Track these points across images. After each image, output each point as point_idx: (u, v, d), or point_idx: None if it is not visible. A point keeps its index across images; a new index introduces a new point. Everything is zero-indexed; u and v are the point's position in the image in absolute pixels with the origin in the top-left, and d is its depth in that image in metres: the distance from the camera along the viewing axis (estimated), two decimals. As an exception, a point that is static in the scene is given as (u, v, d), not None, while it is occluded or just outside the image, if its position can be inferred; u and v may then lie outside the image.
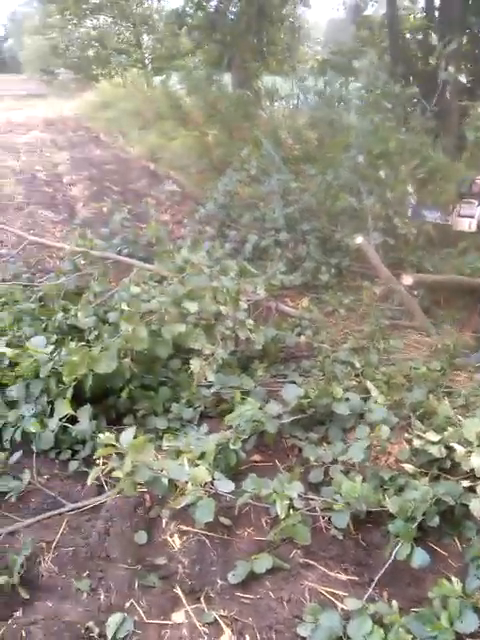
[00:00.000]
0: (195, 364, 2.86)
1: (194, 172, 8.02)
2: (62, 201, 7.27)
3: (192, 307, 2.98)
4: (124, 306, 3.02)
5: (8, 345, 2.99)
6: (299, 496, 2.08)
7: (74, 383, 2.73)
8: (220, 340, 3.00)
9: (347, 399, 2.52)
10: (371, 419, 2.42)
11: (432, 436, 2.24)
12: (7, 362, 2.92)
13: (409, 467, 2.19)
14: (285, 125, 7.51)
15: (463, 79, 4.06)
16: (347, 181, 4.21)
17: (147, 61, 19.53)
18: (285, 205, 4.67)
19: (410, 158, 4.21)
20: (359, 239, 3.71)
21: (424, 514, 1.95)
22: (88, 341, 3.02)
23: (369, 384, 2.66)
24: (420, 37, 9.09)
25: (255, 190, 5.30)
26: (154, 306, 2.98)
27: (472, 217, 3.18)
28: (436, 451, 2.19)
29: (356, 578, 1.96)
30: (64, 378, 2.71)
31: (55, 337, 3.10)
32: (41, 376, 2.79)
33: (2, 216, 6.20)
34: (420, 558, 1.86)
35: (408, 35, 9.57)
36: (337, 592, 1.88)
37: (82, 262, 4.12)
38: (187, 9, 14.72)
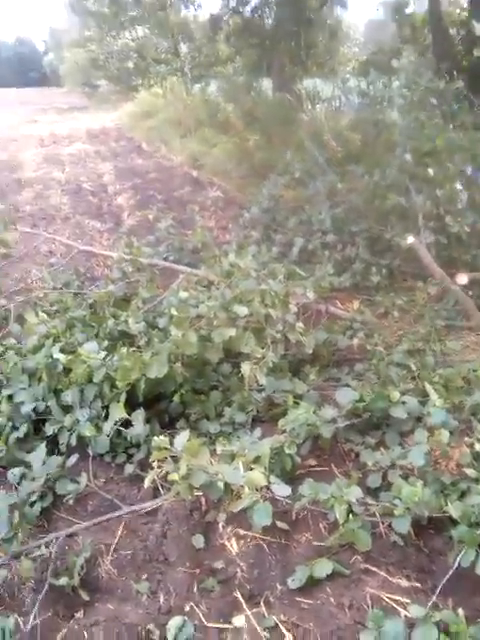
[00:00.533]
0: (245, 368, 2.85)
1: (236, 177, 8.06)
2: (108, 210, 7.41)
3: (241, 311, 2.98)
4: (173, 311, 3.04)
5: (62, 351, 3.04)
6: (357, 501, 2.04)
7: (127, 388, 2.76)
8: (270, 343, 2.98)
9: (404, 402, 2.46)
10: (430, 423, 2.36)
11: (495, 439, 2.17)
12: (61, 368, 2.97)
13: (471, 472, 2.12)
14: (328, 127, 7.46)
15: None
16: (395, 180, 4.14)
17: (186, 69, 19.73)
18: (331, 206, 4.63)
19: (459, 155, 4.11)
20: (410, 239, 3.65)
21: (489, 520, 1.89)
22: (139, 347, 3.05)
23: (428, 386, 2.59)
24: (464, 33, 8.90)
25: (300, 193, 5.28)
26: (203, 311, 2.99)
27: None
28: (499, 454, 2.12)
29: (419, 585, 1.91)
30: (117, 383, 2.74)
31: (106, 343, 3.14)
32: (94, 381, 2.83)
33: (50, 226, 6.35)
34: (486, 565, 1.79)
35: (452, 31, 9.39)
36: (399, 599, 1.83)
37: (130, 269, 4.18)
38: (223, 15, 14.83)
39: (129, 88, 22.29)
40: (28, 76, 55.91)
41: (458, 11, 10.00)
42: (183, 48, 21.37)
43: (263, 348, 2.94)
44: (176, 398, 2.91)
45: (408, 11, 10.72)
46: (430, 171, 3.92)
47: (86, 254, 5.11)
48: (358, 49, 21.11)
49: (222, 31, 15.99)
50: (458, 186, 3.94)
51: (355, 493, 2.04)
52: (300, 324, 3.12)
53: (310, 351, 3.08)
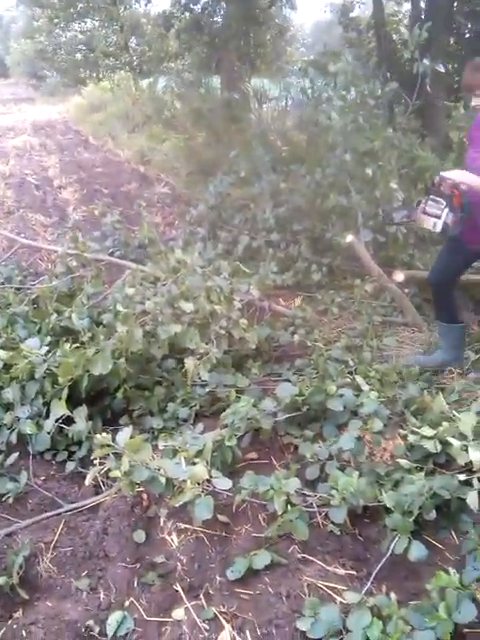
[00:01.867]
0: (189, 363, 2.87)
1: (184, 174, 8.04)
2: (53, 204, 7.27)
3: (187, 307, 3.00)
4: (119, 307, 3.03)
5: (2, 348, 2.99)
6: (296, 492, 2.09)
7: (69, 383, 2.74)
8: (214, 339, 3.01)
9: (341, 395, 2.54)
10: (363, 413, 2.45)
11: (427, 431, 2.26)
12: (1, 365, 2.92)
13: (404, 462, 2.21)
14: (273, 126, 7.54)
15: (442, 69, 3.98)
16: (336, 180, 4.23)
17: (135, 64, 19.49)
18: (275, 206, 4.68)
19: (396, 156, 4.24)
20: (349, 237, 3.73)
21: (421, 508, 1.97)
22: (82, 343, 3.02)
23: (359, 379, 2.68)
24: (406, 37, 9.15)
25: (246, 191, 5.32)
26: (149, 307, 3.00)
27: (438, 217, 2.85)
28: (431, 446, 2.21)
29: (354, 572, 1.97)
30: (59, 379, 2.71)
31: (49, 339, 3.10)
32: (36, 377, 2.80)
33: (-7, 220, 6.19)
34: (417, 551, 1.87)
35: (394, 36, 9.66)
36: (336, 586, 1.89)
37: (74, 264, 4.12)
38: (174, 12, 14.75)
39: (77, 80, 21.86)
40: (-29, 65, 54.13)
41: (397, 17, 10.31)
42: (133, 42, 21.11)
43: (207, 344, 2.97)
44: (119, 394, 2.90)
45: (353, 14, 10.96)
46: (368, 171, 4.01)
47: (29, 249, 5.01)
48: (305, 49, 21.43)
49: (173, 27, 15.91)
50: (393, 186, 4.05)
51: (293, 485, 2.09)
52: (244, 320, 3.15)
53: (253, 347, 3.12)
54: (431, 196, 2.87)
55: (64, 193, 7.81)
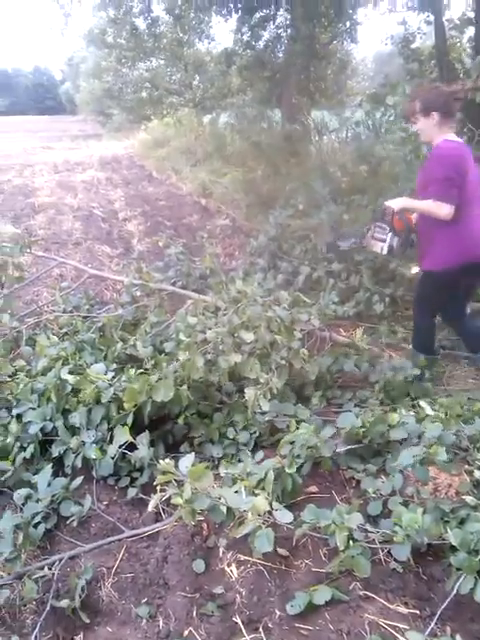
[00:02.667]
0: (250, 393, 2.88)
1: (244, 206, 8.18)
2: (118, 236, 7.54)
3: (247, 337, 3.03)
4: (181, 336, 3.10)
5: (71, 373, 3.09)
6: (358, 528, 2.05)
7: (134, 409, 2.80)
8: (274, 369, 3.02)
9: (404, 422, 2.49)
10: (427, 437, 2.38)
11: (495, 467, 2.19)
12: (69, 389, 3.02)
13: (470, 499, 2.13)
14: (334, 158, 7.60)
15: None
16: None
17: (197, 100, 20.15)
18: (337, 237, 4.70)
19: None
20: (415, 269, 3.69)
21: (488, 547, 1.89)
22: (146, 370, 3.10)
23: (423, 403, 2.62)
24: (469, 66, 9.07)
25: (305, 222, 5.37)
26: (210, 336, 3.04)
27: (384, 241, 3.26)
28: (499, 483, 2.13)
29: (417, 612, 1.91)
30: (125, 404, 2.78)
31: (114, 366, 3.19)
32: (102, 402, 2.87)
33: (62, 251, 6.46)
34: (484, 593, 1.80)
35: (457, 65, 9.57)
36: (398, 625, 1.83)
37: (139, 294, 4.25)
38: (236, 49, 15.19)
39: (142, 117, 22.74)
40: (45, 104, 57.41)
41: (462, 45, 10.20)
42: (196, 80, 21.85)
43: (267, 374, 2.98)
44: (180, 420, 2.95)
45: (414, 45, 10.93)
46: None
47: (96, 279, 5.19)
48: (367, 83, 21.54)
49: (235, 64, 16.37)
50: None
51: (356, 520, 2.04)
52: (304, 351, 3.15)
53: (313, 377, 3.11)
54: (377, 223, 3.30)
55: (129, 225, 8.08)
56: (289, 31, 12.75)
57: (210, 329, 3.10)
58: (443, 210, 3.01)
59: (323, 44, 12.72)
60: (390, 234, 3.24)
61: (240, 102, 16.72)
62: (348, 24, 12.27)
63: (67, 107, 46.75)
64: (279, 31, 13.45)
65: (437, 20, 9.49)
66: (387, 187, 4.43)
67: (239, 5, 12.31)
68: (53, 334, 3.75)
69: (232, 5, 12.56)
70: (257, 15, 12.86)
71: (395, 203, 3.24)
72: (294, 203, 5.49)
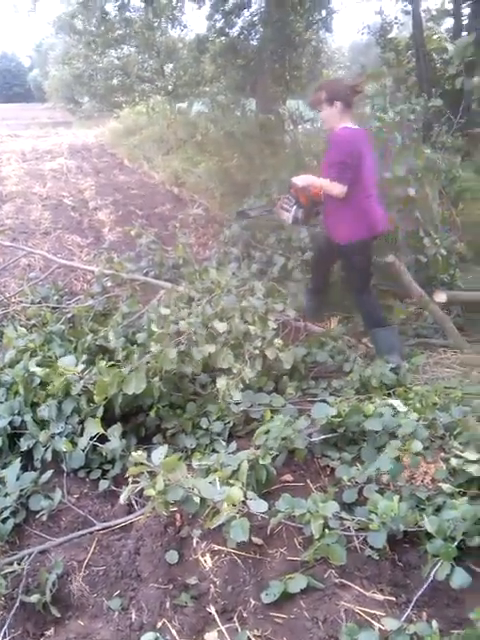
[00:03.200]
0: (221, 383, 2.86)
1: (217, 195, 8.10)
2: (88, 225, 7.40)
3: (222, 327, 2.99)
4: (154, 327, 3.04)
5: (39, 365, 3.02)
6: (333, 516, 2.05)
7: (104, 402, 2.75)
8: (248, 359, 2.99)
9: (380, 414, 2.48)
10: (401, 434, 2.39)
11: (470, 455, 2.20)
12: (38, 382, 2.94)
13: (446, 487, 2.14)
14: (309, 148, 7.56)
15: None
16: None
17: (170, 88, 19.92)
18: (311, 225, 4.67)
19: (437, 177, 4.20)
20: (390, 257, 3.69)
21: (464, 534, 1.90)
22: (117, 361, 3.04)
23: (396, 402, 2.63)
24: (446, 56, 9.12)
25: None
26: (183, 327, 3.00)
27: (289, 212, 3.61)
28: (475, 470, 2.14)
29: (393, 599, 1.91)
30: (95, 397, 2.73)
31: (85, 357, 3.12)
32: (72, 394, 2.82)
33: (30, 241, 6.32)
34: (460, 578, 1.80)
35: (435, 55, 9.64)
36: (374, 612, 1.83)
37: (110, 284, 4.17)
38: (209, 35, 15.00)
39: (113, 105, 22.40)
40: (12, 91, 56.12)
41: (437, 36, 10.26)
42: (168, 67, 21.60)
43: (241, 364, 2.95)
44: (153, 412, 2.90)
45: (391, 35, 10.98)
46: (410, 191, 3.97)
47: (65, 269, 5.09)
48: (343, 72, 21.55)
49: (208, 51, 16.16)
50: (434, 207, 4.01)
51: (331, 508, 2.04)
52: (279, 341, 3.13)
53: (288, 367, 3.08)
54: (285, 195, 3.66)
55: (99, 214, 7.94)
56: (264, 19, 12.65)
57: (183, 320, 3.06)
58: (336, 189, 3.35)
59: (298, 32, 12.64)
60: (295, 206, 3.60)
61: (214, 90, 16.57)
62: (323, 12, 12.23)
63: (35, 94, 45.78)
64: (253, 18, 13.33)
65: (414, 10, 9.54)
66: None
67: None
68: (21, 326, 3.66)
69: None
70: (231, 1, 12.73)
71: (300, 179, 3.56)
72: (268, 193, 5.44)
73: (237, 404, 2.89)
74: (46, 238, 6.55)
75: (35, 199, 8.63)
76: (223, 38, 14.27)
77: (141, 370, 2.82)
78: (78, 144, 16.68)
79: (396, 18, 11.24)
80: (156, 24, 18.53)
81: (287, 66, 12.83)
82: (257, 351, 3.03)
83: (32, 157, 13.56)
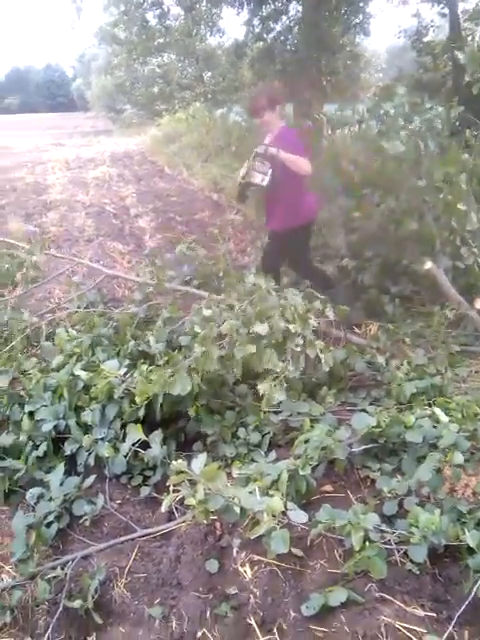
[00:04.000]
0: (264, 386, 2.85)
1: (255, 202, 8.12)
2: (130, 232, 7.53)
3: (262, 329, 3.00)
4: (196, 329, 3.07)
5: (83, 369, 3.09)
6: (374, 528, 2.02)
7: (145, 405, 2.79)
8: (290, 358, 2.98)
9: (421, 425, 2.44)
10: (442, 445, 2.34)
11: (514, 468, 2.14)
12: (82, 385, 3.01)
13: (489, 500, 2.10)
14: (346, 152, 7.51)
15: None
16: (409, 207, 4.15)
17: (209, 95, 20.09)
18: (348, 232, 4.65)
19: (468, 180, 4.12)
20: (428, 264, 3.64)
21: (508, 550, 1.85)
22: (158, 366, 3.08)
23: (437, 410, 2.58)
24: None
25: (318, 217, 5.31)
26: (225, 328, 3.02)
27: (265, 174, 3.78)
28: (519, 483, 2.08)
29: (434, 614, 1.87)
30: (136, 398, 2.76)
31: (127, 362, 3.17)
32: (114, 397, 2.87)
33: (74, 248, 6.47)
34: (504, 596, 1.76)
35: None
36: (415, 628, 1.79)
37: (152, 291, 4.22)
38: (247, 41, 15.03)
39: (153, 113, 22.73)
40: (56, 101, 57.64)
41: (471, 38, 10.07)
42: (207, 74, 21.80)
43: (283, 363, 2.94)
44: (192, 410, 2.93)
45: (427, 39, 10.82)
46: (442, 197, 3.92)
47: (108, 275, 5.18)
48: (381, 74, 21.34)
49: (246, 57, 16.21)
50: (461, 207, 3.93)
51: (372, 520, 2.01)
52: (320, 342, 3.11)
53: (327, 369, 3.05)
54: (257, 159, 3.82)
55: (140, 222, 8.07)
56: (301, 24, 12.63)
57: (224, 322, 3.08)
58: (306, 165, 3.81)
59: (335, 37, 12.58)
60: (270, 170, 3.78)
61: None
62: (361, 17, 12.14)
63: (78, 104, 46.83)
64: (291, 23, 13.32)
65: (451, 11, 9.38)
66: (399, 182, 4.35)
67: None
68: (68, 331, 3.75)
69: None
70: (269, 7, 12.75)
71: (274, 149, 3.81)
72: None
73: (277, 413, 2.89)
74: (89, 245, 6.70)
75: (78, 207, 8.83)
76: (260, 43, 14.28)
77: (182, 371, 2.85)
78: (120, 152, 16.99)
79: (432, 21, 11.07)
80: (195, 32, 18.71)
81: (324, 71, 12.77)
82: (299, 349, 3.02)
83: (75, 165, 13.87)
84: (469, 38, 10.15)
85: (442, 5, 10.38)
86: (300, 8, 12.78)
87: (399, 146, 3.86)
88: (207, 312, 3.18)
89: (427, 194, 4.03)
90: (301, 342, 3.02)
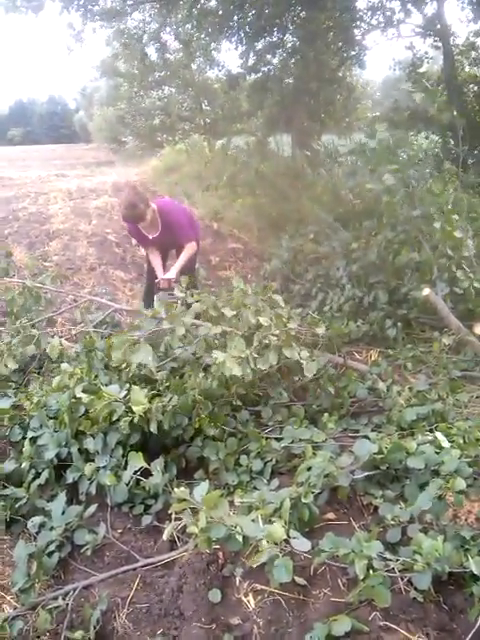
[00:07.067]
0: (222, 355, 2.87)
1: (255, 230, 8.23)
2: (131, 261, 7.60)
3: (229, 312, 3.16)
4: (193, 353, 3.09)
5: (84, 391, 3.08)
6: (378, 556, 2.01)
7: (145, 430, 2.81)
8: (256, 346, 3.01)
9: (422, 452, 2.44)
10: (444, 471, 2.34)
11: (517, 494, 2.14)
12: (83, 410, 3.01)
13: (493, 527, 2.09)
14: (344, 182, 7.63)
15: None
16: (407, 237, 4.22)
17: (208, 126, 20.40)
18: (348, 262, 4.70)
19: (466, 212, 4.21)
20: (426, 290, 3.68)
21: (512, 577, 1.84)
22: (159, 391, 3.09)
23: (439, 435, 2.58)
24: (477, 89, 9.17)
25: (318, 246, 5.38)
26: (196, 307, 3.23)
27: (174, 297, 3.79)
28: (522, 510, 2.08)
29: (439, 644, 1.86)
30: (133, 407, 2.77)
31: (127, 386, 3.16)
32: (114, 419, 2.87)
33: (76, 276, 6.52)
34: (509, 625, 1.74)
35: (465, 89, 9.69)
36: (420, 658, 1.78)
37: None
38: (242, 72, 15.31)
39: (154, 144, 23.05)
40: (59, 132, 58.47)
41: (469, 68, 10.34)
42: (206, 105, 22.17)
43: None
44: (195, 424, 2.96)
45: (422, 70, 11.07)
46: (437, 226, 3.98)
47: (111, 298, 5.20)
48: (376, 106, 21.68)
49: (241, 88, 16.47)
50: (457, 234, 3.99)
51: (376, 548, 1.99)
52: (305, 351, 3.14)
53: (309, 375, 3.06)
54: (166, 293, 4.05)
55: (142, 250, 8.13)
56: (297, 57, 12.88)
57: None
58: (194, 246, 4.55)
59: (331, 69, 12.82)
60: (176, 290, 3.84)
61: (250, 127, 16.87)
62: (357, 49, 12.39)
63: (81, 135, 47.56)
64: (286, 56, 13.57)
65: (445, 44, 9.62)
66: (396, 213, 4.42)
67: (248, 31, 12.43)
68: (67, 355, 3.76)
69: (242, 33, 12.68)
70: (265, 40, 13.01)
71: (171, 274, 4.38)
72: (304, 232, 5.54)
73: (279, 440, 2.89)
74: (91, 274, 6.75)
75: (81, 236, 8.90)
76: (255, 75, 14.52)
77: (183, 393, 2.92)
78: (121, 182, 17.16)
79: (426, 53, 11.32)
80: (194, 65, 19.10)
81: (321, 102, 12.97)
82: (267, 341, 3.06)
83: (78, 196, 13.99)
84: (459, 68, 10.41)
85: (435, 39, 10.63)
86: (296, 40, 13.07)
87: (388, 180, 3.95)
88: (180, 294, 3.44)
89: (422, 224, 4.10)
90: (273, 339, 3.03)
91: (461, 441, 2.58)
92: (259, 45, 13.40)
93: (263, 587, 2.09)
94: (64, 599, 2.20)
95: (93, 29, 12.90)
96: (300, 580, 2.07)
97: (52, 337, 4.21)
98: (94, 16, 12.44)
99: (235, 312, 3.11)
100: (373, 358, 3.88)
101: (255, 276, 6.19)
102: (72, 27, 12.33)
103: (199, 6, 12.15)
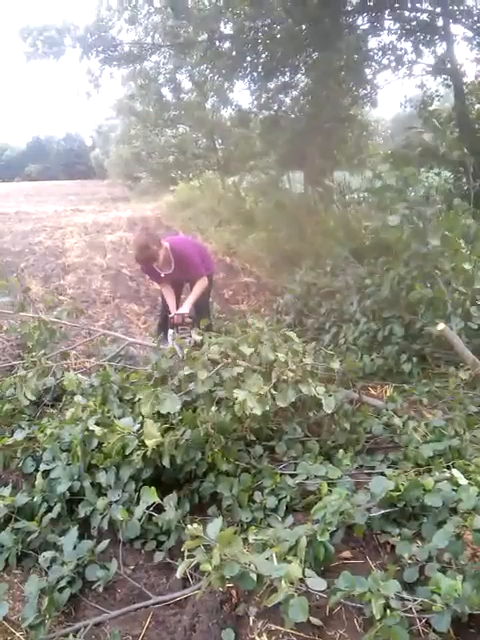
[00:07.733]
0: (241, 394, 2.84)
1: (268, 265, 8.29)
2: (145, 294, 7.68)
3: (247, 350, 3.11)
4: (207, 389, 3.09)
5: (97, 424, 3.08)
6: (395, 596, 1.96)
7: (158, 465, 2.79)
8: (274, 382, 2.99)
9: (439, 489, 2.40)
10: (463, 509, 2.29)
11: None
12: (96, 443, 3.00)
13: (513, 567, 2.03)
14: (357, 217, 7.72)
15: None
16: (420, 272, 4.23)
17: (222, 163, 20.76)
18: (361, 298, 4.71)
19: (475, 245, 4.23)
20: (440, 326, 3.67)
21: None
22: (172, 424, 3.08)
23: (456, 472, 2.54)
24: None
25: (331, 281, 5.41)
26: (214, 351, 3.15)
27: (189, 335, 4.07)
28: None
29: None
30: (145, 441, 2.75)
31: (141, 419, 3.16)
32: (127, 452, 2.86)
33: (91, 309, 6.59)
34: None
35: (477, 125, 9.82)
36: None
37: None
38: (254, 110, 15.61)
39: (169, 181, 23.48)
40: (75, 169, 59.73)
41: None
42: (219, 143, 22.61)
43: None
44: (208, 457, 2.93)
45: (432, 107, 11.24)
46: (449, 260, 4.00)
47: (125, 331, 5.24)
48: (388, 143, 21.99)
49: (252, 126, 16.77)
50: (466, 266, 4.00)
51: (393, 587, 1.94)
52: (321, 386, 3.13)
53: (328, 411, 3.03)
54: (178, 329, 4.32)
55: (155, 284, 8.22)
56: (310, 97, 13.15)
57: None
58: (205, 282, 4.71)
59: (343, 108, 13.06)
60: (192, 331, 3.95)
61: (263, 164, 17.14)
62: (368, 88, 12.64)
63: (97, 172, 48.53)
64: (298, 95, 13.85)
65: (456, 83, 9.79)
66: (402, 248, 4.46)
67: (260, 71, 12.74)
68: (81, 388, 3.78)
69: (255, 73, 13.00)
70: (278, 80, 13.31)
71: (184, 309, 4.48)
72: (317, 266, 5.58)
73: (293, 476, 2.86)
74: (106, 306, 6.83)
75: (96, 269, 9.04)
76: (266, 112, 14.78)
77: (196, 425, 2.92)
78: (136, 217, 17.46)
79: (437, 91, 11.53)
80: (208, 104, 19.53)
81: (333, 140, 13.17)
82: (285, 377, 3.04)
83: (93, 230, 14.25)
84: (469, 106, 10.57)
85: (445, 77, 10.84)
86: (308, 80, 13.35)
87: (396, 219, 3.99)
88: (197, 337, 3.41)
89: (434, 259, 4.12)
90: (290, 374, 3.02)
91: (479, 478, 2.53)
92: (272, 85, 13.69)
93: (277, 627, 2.05)
94: (75, 636, 2.16)
95: (110, 74, 13.27)
96: (316, 620, 2.02)
97: (66, 370, 4.26)
98: (112, 61, 12.81)
99: (253, 349, 3.11)
100: (388, 393, 3.85)
101: (268, 310, 6.21)
102: (91, 73, 12.72)
103: (213, 49, 12.48)
